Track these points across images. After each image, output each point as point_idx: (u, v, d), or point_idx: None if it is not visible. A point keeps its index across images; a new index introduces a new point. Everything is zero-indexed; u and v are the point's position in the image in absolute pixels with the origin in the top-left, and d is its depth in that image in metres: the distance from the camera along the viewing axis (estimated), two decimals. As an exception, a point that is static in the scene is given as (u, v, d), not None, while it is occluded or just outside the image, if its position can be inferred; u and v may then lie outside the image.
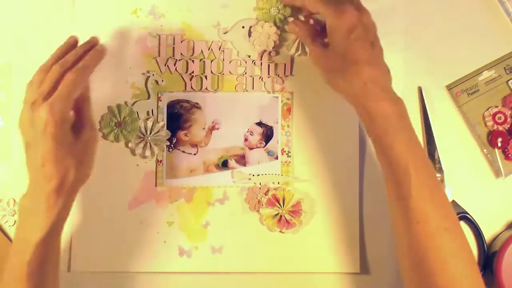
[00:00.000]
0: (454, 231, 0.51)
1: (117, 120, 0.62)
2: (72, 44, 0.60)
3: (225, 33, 0.63)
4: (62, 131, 0.54)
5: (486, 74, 0.64)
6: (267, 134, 0.64)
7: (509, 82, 0.64)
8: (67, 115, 0.55)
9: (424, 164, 0.53)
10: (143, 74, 0.63)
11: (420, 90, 0.64)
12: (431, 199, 0.51)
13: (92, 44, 0.60)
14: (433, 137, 0.63)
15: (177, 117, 0.63)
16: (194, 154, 0.63)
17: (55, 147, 0.53)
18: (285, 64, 0.64)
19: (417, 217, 0.51)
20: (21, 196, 0.55)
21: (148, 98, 0.63)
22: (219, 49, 0.63)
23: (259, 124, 0.64)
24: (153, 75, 0.63)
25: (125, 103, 0.63)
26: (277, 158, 0.64)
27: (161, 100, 0.63)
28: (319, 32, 0.59)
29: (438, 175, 0.63)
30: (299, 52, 0.62)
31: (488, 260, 0.62)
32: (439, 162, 0.63)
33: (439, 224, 0.51)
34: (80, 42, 0.59)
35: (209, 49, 0.63)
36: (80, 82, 0.56)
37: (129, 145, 0.63)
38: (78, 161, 0.55)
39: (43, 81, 0.56)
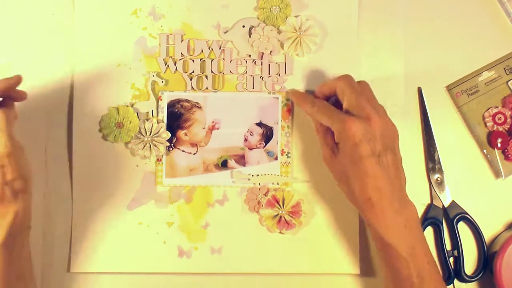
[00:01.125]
0: None
1: (117, 121, 0.62)
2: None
3: (225, 32, 0.63)
4: None
5: (486, 75, 0.64)
6: (267, 135, 0.64)
7: (509, 83, 0.64)
8: None
9: (428, 273, 0.53)
10: (143, 75, 0.63)
11: (420, 91, 0.64)
12: None
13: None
14: (433, 137, 0.63)
15: (177, 117, 0.63)
16: (194, 153, 0.63)
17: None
18: (285, 64, 0.64)
19: None
20: None
21: (148, 99, 0.63)
22: (219, 49, 0.63)
23: (259, 124, 0.64)
24: (153, 76, 0.63)
25: (125, 104, 0.63)
26: (276, 158, 0.63)
27: (161, 99, 0.63)
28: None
29: (438, 175, 0.63)
30: (296, 52, 0.63)
31: (488, 260, 0.62)
32: (439, 162, 0.63)
33: None
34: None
35: (209, 48, 0.63)
36: None
37: (129, 145, 0.63)
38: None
39: None
